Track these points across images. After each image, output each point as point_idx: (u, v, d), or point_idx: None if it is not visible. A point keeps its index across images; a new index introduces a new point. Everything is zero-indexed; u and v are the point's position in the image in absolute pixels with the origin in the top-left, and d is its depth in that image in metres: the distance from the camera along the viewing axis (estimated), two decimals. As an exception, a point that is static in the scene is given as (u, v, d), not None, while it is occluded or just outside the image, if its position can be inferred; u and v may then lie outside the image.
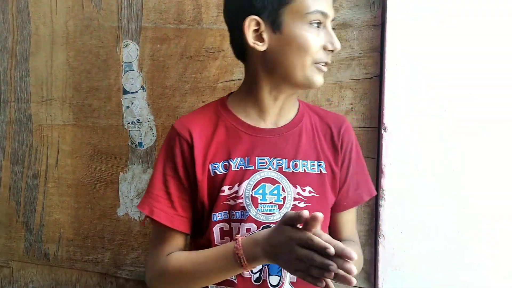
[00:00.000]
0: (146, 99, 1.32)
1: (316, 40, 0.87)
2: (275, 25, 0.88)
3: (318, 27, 0.87)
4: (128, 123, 1.34)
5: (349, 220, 1.03)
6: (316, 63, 0.88)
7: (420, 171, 1.11)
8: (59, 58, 1.41)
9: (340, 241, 0.93)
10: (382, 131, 1.12)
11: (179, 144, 0.94)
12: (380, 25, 1.14)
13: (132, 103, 1.33)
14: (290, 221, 0.76)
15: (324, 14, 0.87)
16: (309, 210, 0.86)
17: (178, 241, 0.95)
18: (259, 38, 0.89)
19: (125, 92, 1.34)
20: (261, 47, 0.89)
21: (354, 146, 1.01)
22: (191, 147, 0.93)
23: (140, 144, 1.33)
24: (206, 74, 1.28)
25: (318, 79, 0.90)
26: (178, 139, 0.94)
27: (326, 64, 0.90)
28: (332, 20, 0.90)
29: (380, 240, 1.13)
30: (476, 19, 1.07)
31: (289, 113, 0.98)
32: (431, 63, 1.09)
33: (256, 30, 0.89)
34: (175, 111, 1.30)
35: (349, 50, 1.16)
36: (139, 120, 1.33)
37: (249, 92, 0.97)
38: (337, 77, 1.18)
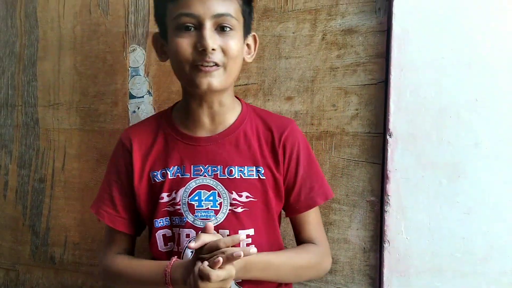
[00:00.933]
0: (152, 104, 1.33)
1: (184, 43, 0.88)
2: (164, 36, 0.95)
3: (189, 29, 0.88)
4: (134, 128, 1.35)
5: (308, 222, 1.03)
6: (195, 65, 0.89)
7: (425, 177, 1.11)
8: (66, 62, 1.42)
9: (300, 242, 1.03)
10: (387, 136, 1.12)
11: (122, 152, 1.01)
12: (385, 31, 1.14)
13: (139, 108, 1.34)
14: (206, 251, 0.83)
15: (191, 16, 0.87)
16: (247, 214, 0.94)
17: (124, 241, 1.03)
18: (163, 51, 0.98)
19: (132, 96, 1.35)
20: (162, 59, 0.99)
21: (302, 150, 1.01)
22: (130, 155, 0.99)
23: (146, 148, 1.34)
24: (212, 79, 1.28)
25: (201, 80, 0.89)
26: (122, 147, 1.01)
27: (215, 64, 0.88)
28: (220, 17, 0.88)
29: (385, 245, 1.13)
30: (482, 25, 1.07)
31: (226, 120, 0.99)
32: (436, 68, 1.09)
33: (162, 44, 0.97)
34: (181, 116, 1.31)
35: (354, 55, 1.17)
36: (145, 125, 1.34)
37: (183, 101, 1.01)
38: (343, 83, 1.18)
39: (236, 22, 0.90)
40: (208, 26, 0.87)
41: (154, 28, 1.30)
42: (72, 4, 1.40)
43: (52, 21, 1.43)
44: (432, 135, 1.10)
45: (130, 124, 1.34)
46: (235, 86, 1.26)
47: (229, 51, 0.89)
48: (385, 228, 1.13)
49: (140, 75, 1.34)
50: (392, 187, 1.12)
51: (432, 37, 1.09)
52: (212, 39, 0.87)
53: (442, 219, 1.10)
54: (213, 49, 0.87)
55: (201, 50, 0.87)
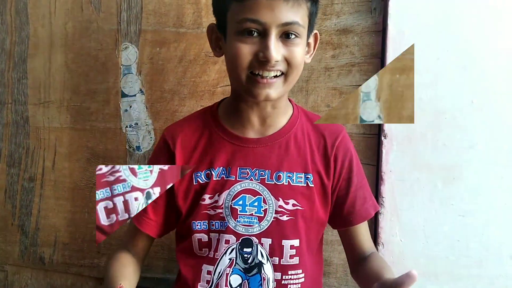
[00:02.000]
0: (145, 103, 1.31)
1: (245, 49, 0.81)
2: (223, 33, 0.88)
3: (252, 34, 0.81)
4: (126, 127, 1.33)
5: (363, 233, 0.97)
6: (253, 74, 0.82)
7: (420, 179, 1.10)
8: (57, 60, 1.40)
9: (364, 255, 0.94)
10: (382, 138, 1.11)
11: (163, 150, 0.95)
12: (381, 31, 1.13)
13: (131, 107, 1.32)
14: None
15: (257, 22, 0.79)
16: (292, 223, 0.88)
17: (143, 241, 0.97)
18: (218, 45, 0.91)
19: (124, 95, 1.33)
20: (217, 53, 0.92)
21: (354, 159, 0.96)
22: (172, 155, 0.93)
23: (138, 148, 1.32)
24: (205, 78, 1.27)
25: (259, 92, 0.82)
26: (164, 145, 0.96)
27: (276, 75, 0.82)
28: (287, 25, 0.80)
29: (380, 248, 1.12)
30: (476, 25, 1.07)
31: (277, 122, 0.93)
32: (431, 70, 1.09)
33: (217, 38, 0.90)
34: (173, 115, 1.29)
35: (349, 56, 1.16)
36: (137, 124, 1.32)
37: (232, 100, 0.95)
38: (337, 83, 1.17)
39: (302, 29, 0.84)
40: (274, 34, 0.80)
41: (147, 26, 1.30)
42: (63, 0, 1.38)
43: (43, 18, 1.41)
44: (427, 137, 1.09)
45: (122, 123, 1.33)
46: (228, 85, 1.25)
47: (292, 61, 0.83)
48: (379, 230, 1.12)
49: (132, 73, 1.32)
50: (386, 189, 1.11)
51: (427, 38, 1.09)
52: (276, 50, 0.80)
53: (437, 222, 1.09)
54: (276, 61, 0.81)
55: (262, 60, 0.80)
